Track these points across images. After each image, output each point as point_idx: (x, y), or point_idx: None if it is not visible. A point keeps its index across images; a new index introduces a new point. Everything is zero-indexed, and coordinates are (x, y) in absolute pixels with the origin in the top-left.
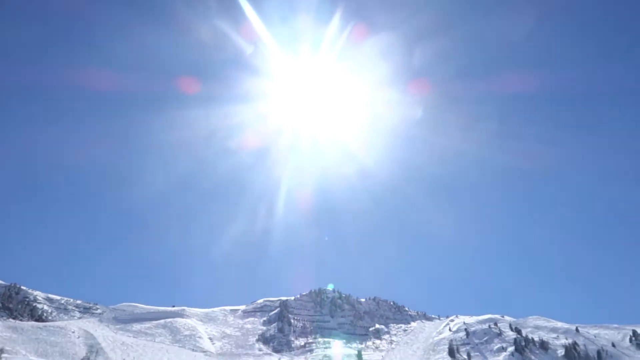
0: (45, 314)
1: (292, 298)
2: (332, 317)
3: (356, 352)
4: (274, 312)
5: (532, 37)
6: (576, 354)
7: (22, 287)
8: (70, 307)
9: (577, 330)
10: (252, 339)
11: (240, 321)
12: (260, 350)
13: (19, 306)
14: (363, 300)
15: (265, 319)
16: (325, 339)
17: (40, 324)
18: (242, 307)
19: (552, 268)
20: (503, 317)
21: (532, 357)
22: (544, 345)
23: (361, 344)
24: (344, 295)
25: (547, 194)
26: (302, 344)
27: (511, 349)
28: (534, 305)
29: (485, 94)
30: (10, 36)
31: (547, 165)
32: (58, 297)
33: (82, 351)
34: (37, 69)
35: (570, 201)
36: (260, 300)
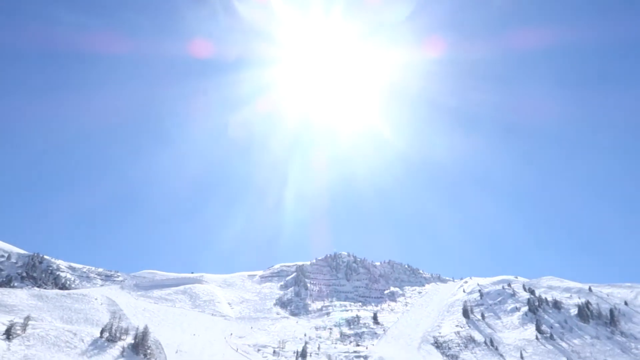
0: (68, 282)
1: (308, 263)
2: (347, 280)
3: (372, 315)
4: (290, 276)
5: None
6: (589, 313)
7: (45, 257)
8: (92, 275)
9: (590, 289)
10: (270, 303)
11: (258, 286)
12: (277, 314)
13: (43, 275)
14: (378, 263)
15: (282, 283)
16: (342, 302)
17: (64, 292)
18: (260, 273)
19: (565, 228)
20: (516, 278)
21: (545, 317)
22: (557, 305)
23: (377, 306)
24: (359, 259)
25: (560, 152)
26: (319, 307)
27: (524, 309)
28: (548, 266)
29: (498, 53)
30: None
31: (558, 121)
32: (80, 266)
33: (106, 317)
34: (52, 32)
35: (584, 158)
36: (277, 266)
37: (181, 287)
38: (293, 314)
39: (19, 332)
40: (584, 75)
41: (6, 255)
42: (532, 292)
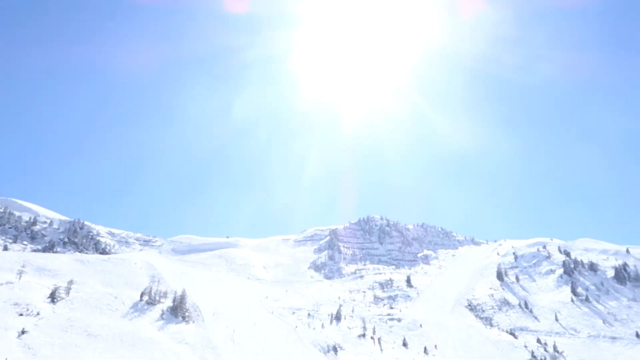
0: (108, 247)
1: (342, 227)
2: (380, 244)
3: (405, 278)
4: (324, 240)
5: None
6: (626, 275)
7: (86, 223)
8: (130, 240)
9: (627, 251)
10: (304, 267)
11: (292, 250)
12: (312, 277)
13: (84, 240)
14: (411, 226)
15: (315, 247)
16: (375, 266)
17: (105, 257)
18: (294, 237)
19: (601, 189)
20: (552, 240)
21: (581, 279)
22: (593, 267)
23: (410, 269)
24: (392, 222)
25: (594, 111)
26: (353, 270)
27: (560, 271)
28: (584, 228)
29: (532, 12)
30: None
31: (593, 79)
32: (119, 231)
33: (145, 281)
34: None
35: (618, 120)
36: (311, 230)
37: (217, 252)
38: (327, 277)
39: (62, 295)
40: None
41: (48, 221)
42: (567, 254)
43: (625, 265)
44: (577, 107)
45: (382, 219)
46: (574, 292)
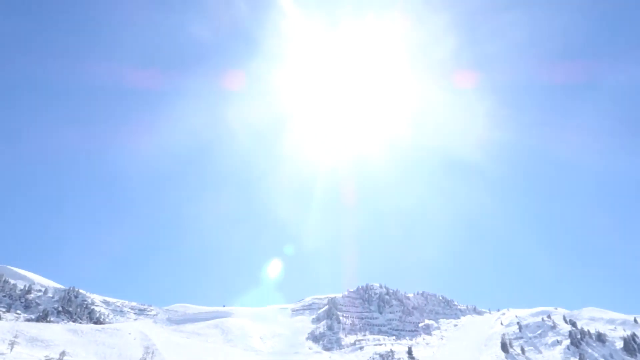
0: (102, 317)
1: (340, 295)
2: (380, 313)
3: (406, 349)
4: (322, 309)
5: (579, 26)
6: (636, 346)
7: (81, 291)
8: (125, 309)
9: (635, 320)
10: (302, 338)
11: (290, 320)
12: (310, 348)
13: (78, 309)
14: (411, 295)
15: (314, 317)
16: (375, 336)
17: (99, 327)
18: (291, 306)
19: (605, 256)
20: (556, 309)
21: (589, 350)
22: (600, 338)
23: (411, 340)
24: (391, 291)
25: (595, 182)
26: (352, 341)
27: (566, 342)
28: (589, 297)
29: (530, 84)
30: (49, 35)
31: (590, 155)
32: (114, 300)
33: (139, 352)
34: (87, 67)
35: (621, 184)
36: (309, 299)
37: (213, 321)
38: (326, 348)
39: None
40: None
41: (43, 289)
42: (573, 324)
43: (634, 335)
44: (576, 176)
45: (381, 287)
46: None
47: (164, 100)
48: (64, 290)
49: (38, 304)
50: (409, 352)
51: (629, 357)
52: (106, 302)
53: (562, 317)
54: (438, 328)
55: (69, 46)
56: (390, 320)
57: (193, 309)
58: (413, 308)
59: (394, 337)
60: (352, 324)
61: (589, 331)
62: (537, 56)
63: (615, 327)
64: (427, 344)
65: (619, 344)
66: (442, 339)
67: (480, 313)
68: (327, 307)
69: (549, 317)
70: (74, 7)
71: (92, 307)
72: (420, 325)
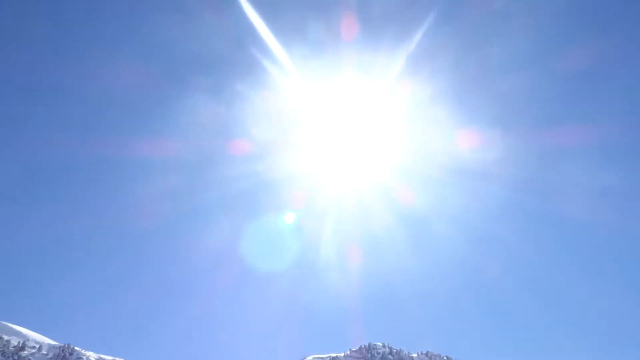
0: None
1: (342, 354)
2: None
3: None
4: None
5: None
6: None
7: (76, 348)
8: None
9: None
10: None
11: None
12: None
13: None
14: (415, 355)
15: None
16: None
17: None
18: None
19: (626, 329)
20: None
21: None
22: None
23: None
24: (394, 350)
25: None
26: None
27: None
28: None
29: (535, 149)
30: (65, 112)
31: (602, 220)
32: (110, 358)
33: None
34: (86, 140)
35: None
36: (309, 358)
37: None
38: None
39: None
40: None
41: (37, 346)
42: None
43: None
44: (585, 242)
45: (384, 346)
46: None
47: (154, 166)
48: (59, 347)
49: None
50: None
51: None
52: None
53: None
54: None
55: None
56: None
57: None
58: None
59: None
60: None
61: None
62: (538, 119)
63: None
64: None
65: None
66: None
67: None
68: None
69: None
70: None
71: None
72: None
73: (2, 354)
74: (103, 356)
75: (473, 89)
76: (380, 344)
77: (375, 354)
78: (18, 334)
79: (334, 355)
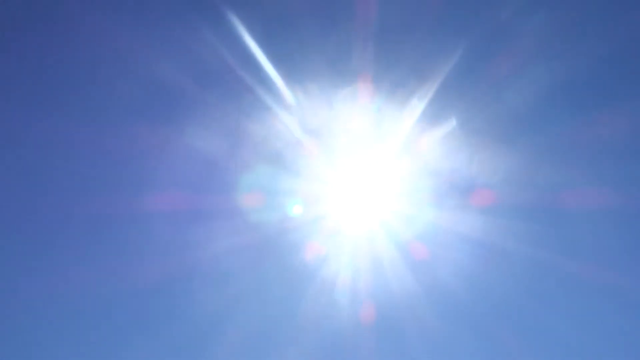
0: None
1: None
2: None
3: None
4: None
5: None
6: None
7: None
8: None
9: None
10: None
11: None
12: None
13: None
14: None
15: None
16: None
17: None
18: None
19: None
20: None
21: None
22: None
23: None
24: None
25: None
26: None
27: None
28: None
29: (552, 207)
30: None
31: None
32: None
33: None
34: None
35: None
36: None
37: None
38: None
39: None
40: None
41: None
42: None
43: None
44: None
45: None
46: None
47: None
48: None
49: None
50: None
51: None
52: None
53: None
54: None
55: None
56: None
57: None
58: None
59: None
60: None
61: None
62: (556, 181)
63: None
64: None
65: None
66: None
67: None
68: None
69: None
70: None
71: None
72: None
73: None
74: None
75: (486, 146)
76: None
77: None
78: None
79: None
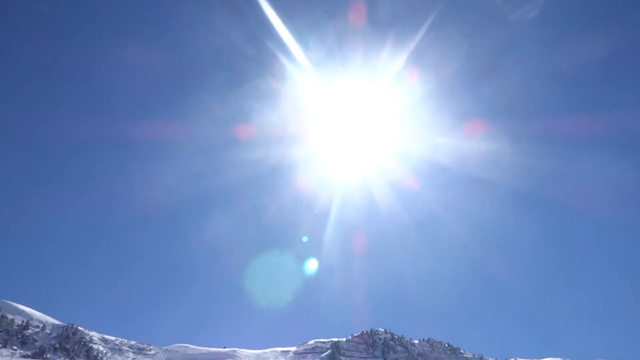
0: (100, 355)
1: (344, 339)
2: (384, 359)
3: None
4: (325, 353)
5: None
6: None
7: (79, 328)
8: (124, 347)
9: None
10: None
11: None
12: None
13: (76, 346)
14: (416, 341)
15: None
16: None
17: None
18: (293, 349)
19: (618, 306)
20: None
21: None
22: None
23: None
24: (396, 337)
25: (609, 234)
26: None
27: None
28: (602, 348)
29: (544, 134)
30: (75, 93)
31: (610, 209)
32: (113, 338)
33: None
34: (98, 122)
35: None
36: (312, 342)
37: None
38: None
39: None
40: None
41: (41, 325)
42: None
43: None
44: (588, 229)
45: (386, 332)
46: None
47: (166, 149)
48: (62, 326)
49: (35, 340)
50: None
51: None
52: (104, 340)
53: None
54: None
55: (60, 99)
56: None
57: (193, 349)
58: (418, 355)
59: None
60: None
61: None
62: (552, 107)
63: None
64: None
65: None
66: None
67: None
68: (330, 351)
69: None
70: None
71: (90, 344)
72: None
73: (6, 333)
74: (106, 336)
75: (481, 78)
76: (382, 330)
77: (377, 340)
78: (22, 313)
79: (335, 340)
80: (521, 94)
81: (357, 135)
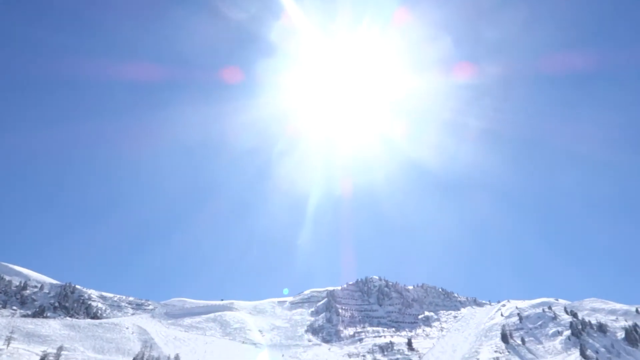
0: (99, 312)
1: (339, 288)
2: (380, 305)
3: (406, 341)
4: (321, 302)
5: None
6: (637, 336)
7: (77, 286)
8: (123, 304)
9: (637, 311)
10: (301, 330)
11: (289, 312)
12: (309, 340)
13: (75, 305)
14: (411, 287)
15: (313, 309)
16: (374, 328)
17: (96, 321)
18: (290, 299)
19: (606, 248)
20: (557, 300)
21: (590, 341)
22: (602, 328)
23: (411, 331)
24: (390, 283)
25: (598, 175)
26: (351, 333)
27: (567, 332)
28: (590, 288)
29: (532, 76)
30: (65, 32)
31: (593, 148)
32: (111, 295)
33: (137, 346)
34: (83, 62)
35: (623, 189)
36: (307, 291)
37: (211, 315)
38: (325, 340)
39: None
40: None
41: (39, 285)
42: (574, 315)
43: (636, 326)
44: (579, 169)
45: (380, 279)
46: (583, 354)
47: (163, 94)
48: (60, 285)
49: (34, 300)
50: (409, 343)
51: (630, 348)
52: (103, 297)
53: (563, 308)
54: (438, 320)
55: (63, 43)
56: (389, 312)
57: (191, 303)
58: (413, 300)
59: (393, 329)
60: (351, 317)
61: (590, 322)
62: (539, 46)
63: (617, 318)
64: (426, 335)
65: (621, 334)
66: (442, 330)
67: (480, 305)
68: (326, 299)
69: (549, 308)
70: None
71: (89, 302)
72: (419, 317)
73: (4, 293)
74: (105, 293)
75: (471, 18)
76: (377, 277)
77: (372, 287)
78: (19, 274)
79: (331, 288)
80: (512, 34)
81: (348, 85)
